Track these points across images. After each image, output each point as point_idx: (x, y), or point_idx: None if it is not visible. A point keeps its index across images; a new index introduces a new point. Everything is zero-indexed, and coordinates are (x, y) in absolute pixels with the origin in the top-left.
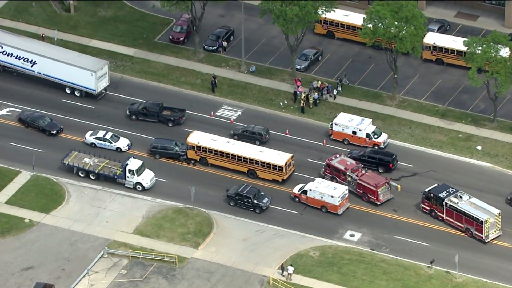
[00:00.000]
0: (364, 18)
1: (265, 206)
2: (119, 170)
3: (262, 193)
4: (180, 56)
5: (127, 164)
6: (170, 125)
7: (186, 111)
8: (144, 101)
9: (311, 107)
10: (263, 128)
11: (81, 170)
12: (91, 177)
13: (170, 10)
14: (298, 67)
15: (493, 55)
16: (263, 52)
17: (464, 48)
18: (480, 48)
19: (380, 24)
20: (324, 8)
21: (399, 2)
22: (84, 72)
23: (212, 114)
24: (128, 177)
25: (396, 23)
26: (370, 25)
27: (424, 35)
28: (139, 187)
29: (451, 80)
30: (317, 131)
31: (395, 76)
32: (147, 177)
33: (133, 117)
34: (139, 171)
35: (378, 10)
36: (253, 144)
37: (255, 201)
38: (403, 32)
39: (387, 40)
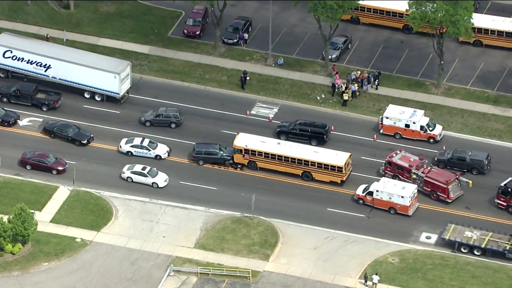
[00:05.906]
0: (409, 2)
1: None
2: (508, 243)
3: None
4: (199, 52)
5: None
6: (44, 109)
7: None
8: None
9: (350, 99)
10: (176, 109)
11: (463, 246)
12: (476, 252)
13: (194, 3)
14: (329, 57)
15: None
16: (287, 43)
17: (505, 28)
18: None
19: (427, 8)
20: None
21: None
22: (107, 75)
23: (248, 113)
24: None
25: (445, 6)
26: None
27: None
28: None
29: (494, 62)
30: (363, 126)
31: (442, 62)
32: None
33: (5, 99)
34: None
35: None
36: (303, 144)
37: None
38: (457, 16)
39: (438, 24)
